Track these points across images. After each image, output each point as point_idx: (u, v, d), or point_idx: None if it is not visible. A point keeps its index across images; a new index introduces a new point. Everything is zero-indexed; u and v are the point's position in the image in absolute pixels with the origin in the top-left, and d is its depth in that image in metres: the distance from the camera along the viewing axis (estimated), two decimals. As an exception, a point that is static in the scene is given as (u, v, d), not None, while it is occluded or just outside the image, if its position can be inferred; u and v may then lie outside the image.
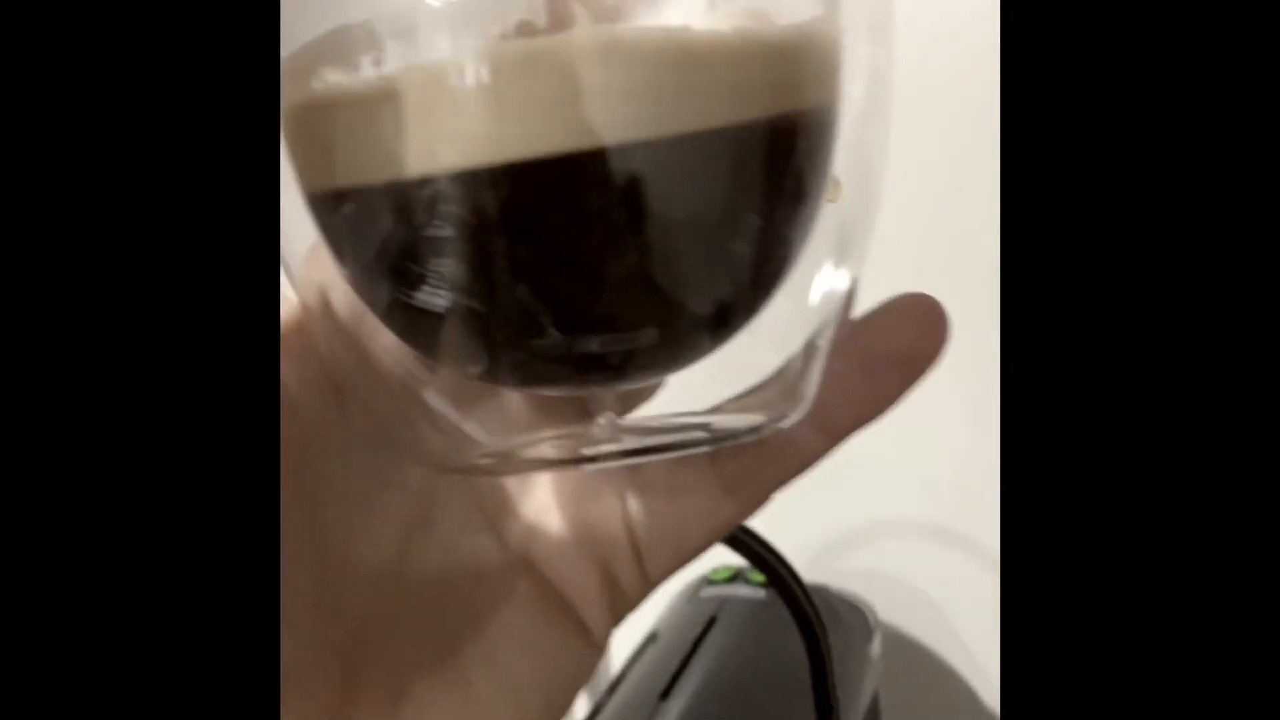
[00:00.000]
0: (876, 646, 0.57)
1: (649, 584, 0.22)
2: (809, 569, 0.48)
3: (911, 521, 0.64)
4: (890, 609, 0.64)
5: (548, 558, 0.22)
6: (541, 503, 0.22)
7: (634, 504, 0.22)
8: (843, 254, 0.20)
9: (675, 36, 0.16)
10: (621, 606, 0.22)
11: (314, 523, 0.20)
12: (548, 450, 0.21)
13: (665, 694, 0.50)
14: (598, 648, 0.22)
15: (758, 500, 0.22)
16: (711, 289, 0.18)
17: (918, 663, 0.66)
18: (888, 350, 0.20)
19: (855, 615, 0.58)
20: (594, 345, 0.18)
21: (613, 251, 0.17)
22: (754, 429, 0.19)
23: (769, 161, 0.18)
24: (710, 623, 0.55)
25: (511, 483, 0.23)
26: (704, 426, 0.21)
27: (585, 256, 0.17)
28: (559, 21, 0.16)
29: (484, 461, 0.20)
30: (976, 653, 0.66)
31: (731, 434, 0.20)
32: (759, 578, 0.53)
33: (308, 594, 0.19)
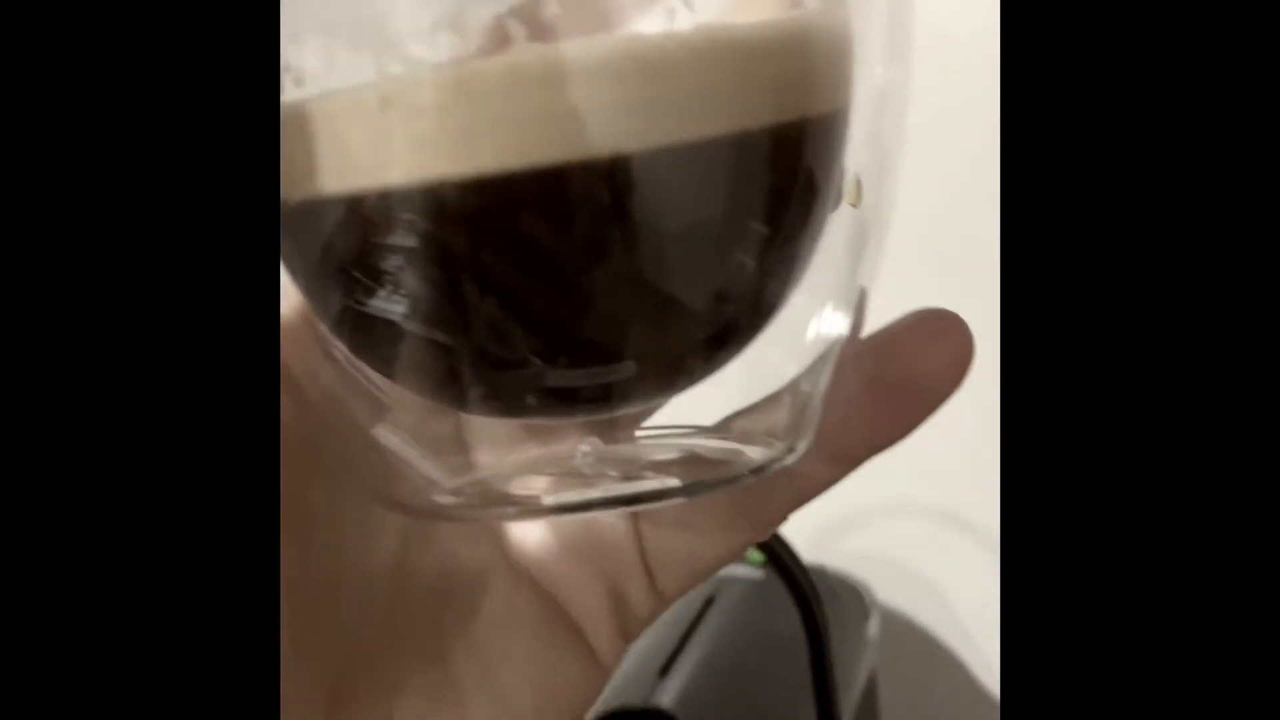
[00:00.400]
0: (873, 627, 0.57)
1: (663, 602, 0.21)
2: (806, 549, 0.48)
3: (911, 503, 0.64)
4: (889, 590, 0.64)
5: (553, 576, 0.21)
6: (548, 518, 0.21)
7: (644, 524, 0.21)
8: (853, 264, 0.18)
9: (621, 47, 0.15)
10: (633, 626, 0.21)
11: (298, 551, 0.19)
12: (520, 487, 0.19)
13: (664, 671, 0.50)
14: (604, 670, 0.21)
15: (771, 524, 0.21)
16: (690, 317, 0.17)
17: (916, 644, 0.66)
18: (902, 376, 0.18)
19: (852, 595, 0.58)
20: (574, 379, 0.17)
21: (573, 274, 0.16)
22: (757, 469, 0.18)
23: (753, 175, 0.16)
24: (708, 601, 0.56)
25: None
26: (700, 458, 0.19)
27: (551, 280, 0.16)
28: (500, 40, 0.15)
29: (447, 500, 0.19)
30: (975, 635, 0.66)
31: (729, 477, 0.18)
32: (757, 557, 0.53)
33: (287, 630, 0.18)
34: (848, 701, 0.51)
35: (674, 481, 0.17)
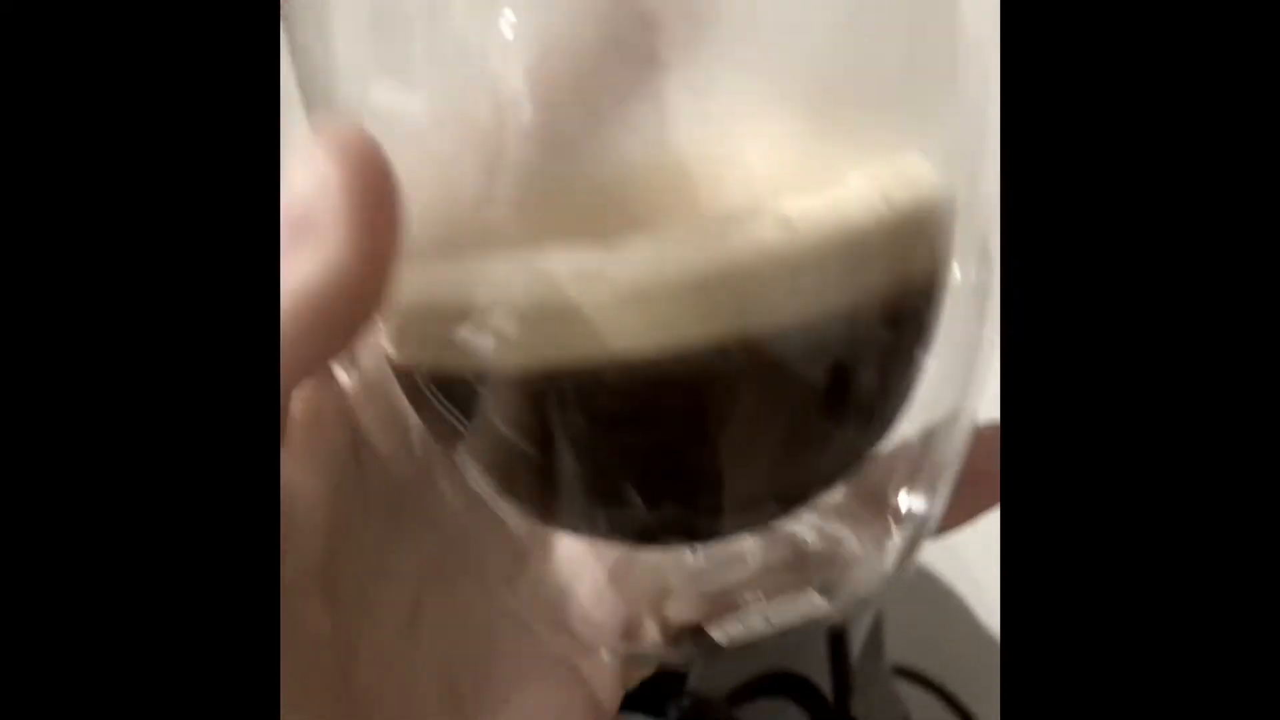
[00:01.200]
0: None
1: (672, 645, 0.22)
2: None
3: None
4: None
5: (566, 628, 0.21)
6: (564, 569, 0.22)
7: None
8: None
9: (755, 250, 0.16)
10: (635, 679, 0.22)
11: (328, 608, 0.20)
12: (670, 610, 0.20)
13: (679, 612, 0.51)
14: (607, 715, 0.22)
15: None
16: (791, 484, 0.18)
17: (920, 584, 0.67)
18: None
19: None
20: (683, 533, 0.18)
21: (688, 455, 0.17)
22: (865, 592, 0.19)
23: (866, 343, 0.17)
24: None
25: (529, 543, 0.22)
26: (805, 553, 0.20)
27: (691, 455, 0.17)
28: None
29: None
30: (977, 577, 0.67)
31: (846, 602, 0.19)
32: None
33: (305, 679, 0.19)
34: (855, 639, 0.53)
35: (822, 602, 0.19)
